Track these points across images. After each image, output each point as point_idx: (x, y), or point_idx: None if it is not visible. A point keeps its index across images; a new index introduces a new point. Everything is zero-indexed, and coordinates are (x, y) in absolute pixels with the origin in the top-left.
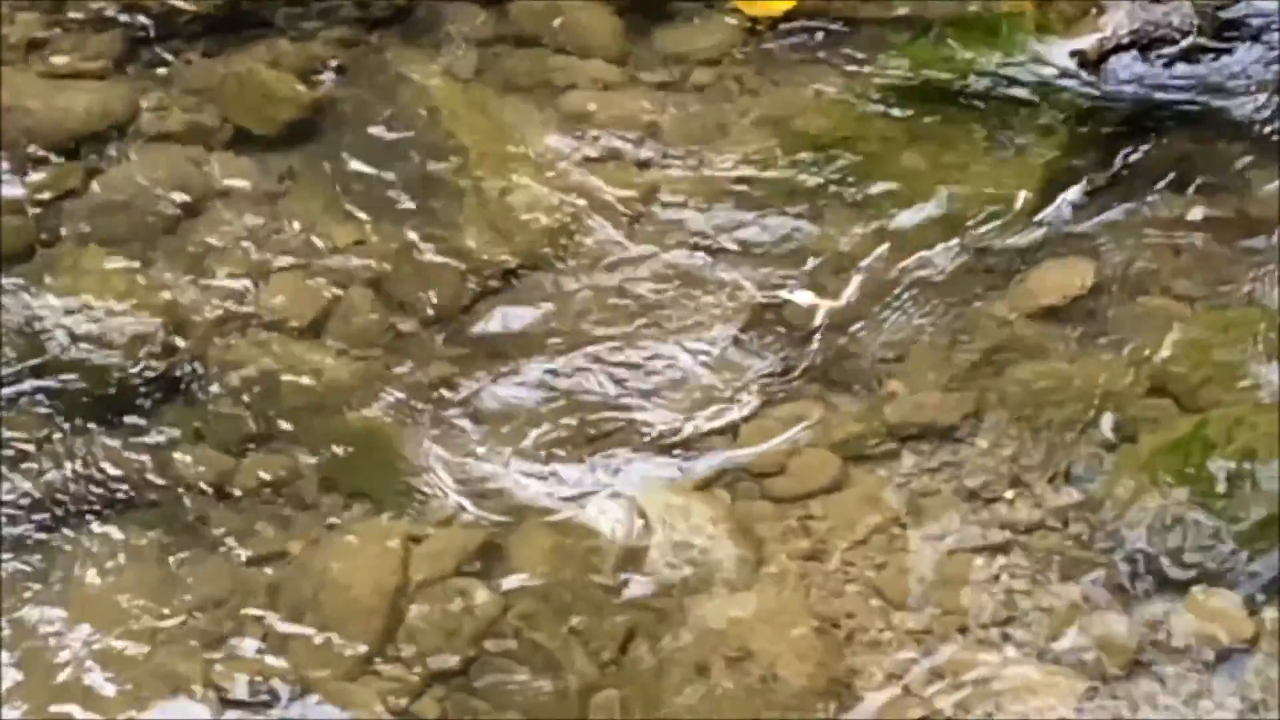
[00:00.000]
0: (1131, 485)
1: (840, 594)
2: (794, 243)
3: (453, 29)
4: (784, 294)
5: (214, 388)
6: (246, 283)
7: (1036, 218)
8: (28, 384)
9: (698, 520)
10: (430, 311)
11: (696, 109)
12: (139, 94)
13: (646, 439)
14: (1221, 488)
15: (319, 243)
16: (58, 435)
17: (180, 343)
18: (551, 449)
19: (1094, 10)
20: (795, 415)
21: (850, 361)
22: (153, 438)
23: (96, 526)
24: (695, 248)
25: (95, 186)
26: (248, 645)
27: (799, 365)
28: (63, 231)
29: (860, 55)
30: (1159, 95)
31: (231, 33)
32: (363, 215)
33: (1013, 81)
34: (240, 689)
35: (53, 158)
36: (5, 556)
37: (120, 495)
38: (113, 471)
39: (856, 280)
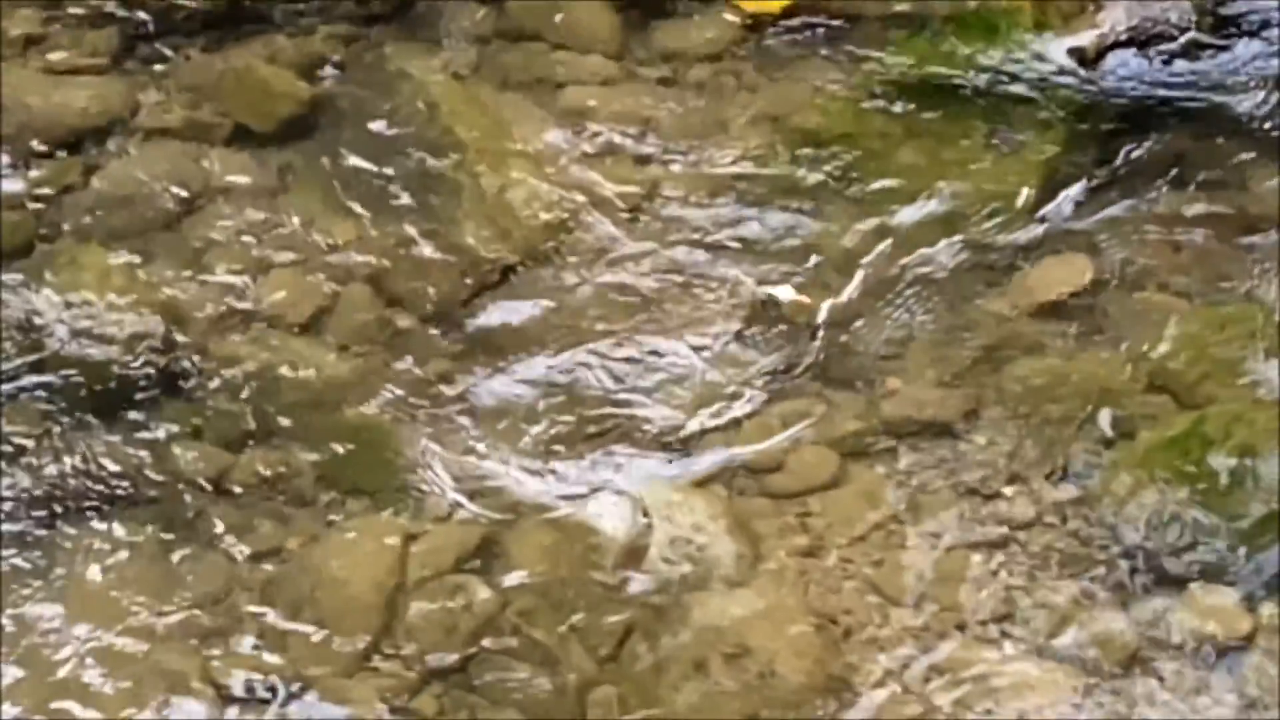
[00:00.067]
0: (1130, 482)
1: (838, 591)
2: (793, 239)
3: (452, 25)
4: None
5: (213, 384)
6: (245, 279)
7: (1036, 215)
8: (27, 380)
9: (696, 517)
10: (429, 308)
11: (695, 105)
12: (137, 90)
13: (646, 436)
14: (1220, 484)
15: (318, 239)
16: (57, 431)
17: (179, 339)
18: (550, 446)
19: (1092, 7)
20: (796, 412)
21: (849, 358)
22: (152, 434)
23: (95, 522)
24: (694, 244)
25: (94, 182)
26: (246, 642)
27: (799, 362)
28: (63, 227)
29: (859, 52)
30: (1157, 92)
31: (230, 28)
32: (361, 211)
33: (1011, 78)
34: (238, 686)
35: (52, 154)
36: (5, 553)
37: (119, 491)
38: (112, 467)
39: (858, 276)
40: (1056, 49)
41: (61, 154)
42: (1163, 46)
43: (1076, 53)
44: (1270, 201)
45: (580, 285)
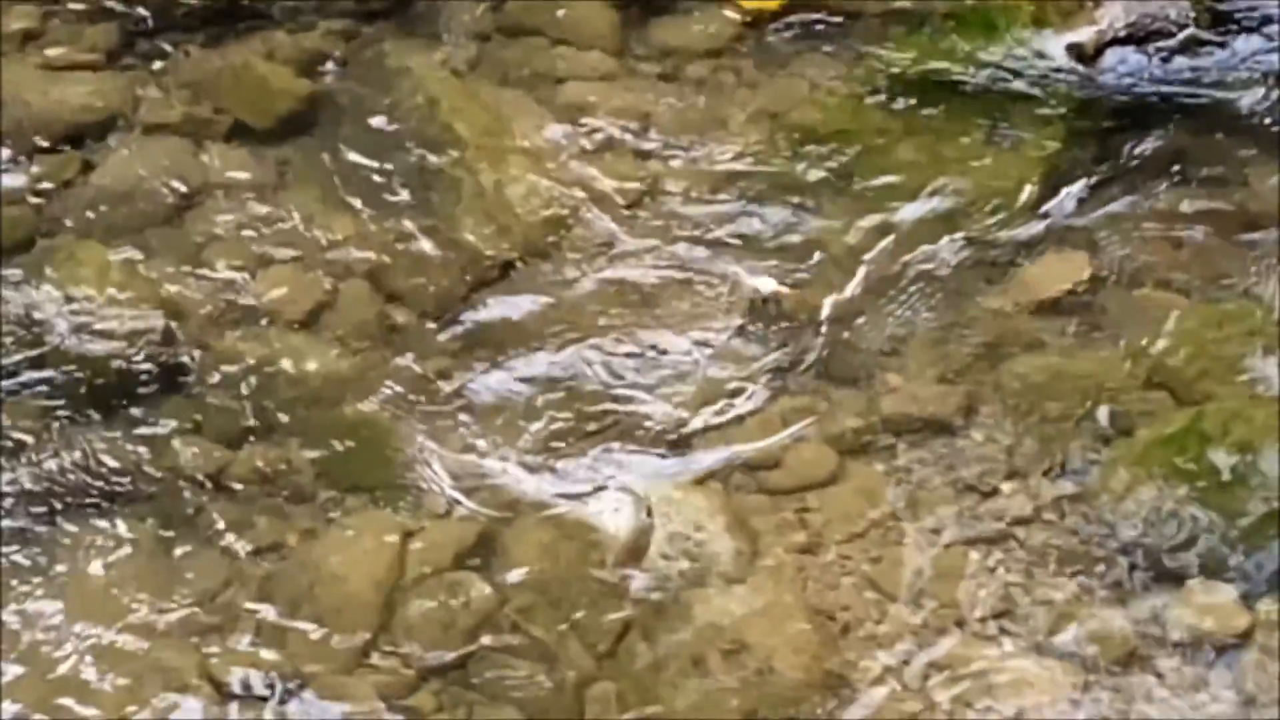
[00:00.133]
0: (1128, 478)
1: (837, 587)
2: (794, 235)
3: (451, 21)
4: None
5: (212, 380)
6: (244, 275)
7: (1036, 211)
8: (27, 375)
9: (694, 514)
10: (428, 304)
11: (695, 101)
12: (137, 86)
13: (645, 432)
14: (1218, 481)
15: (317, 235)
16: (56, 426)
17: (179, 334)
18: (550, 442)
19: (1091, 3)
20: (796, 410)
21: (851, 355)
22: (151, 429)
23: (95, 519)
24: (695, 240)
25: (93, 178)
26: (244, 638)
27: (801, 358)
28: (63, 223)
29: (859, 48)
30: (1157, 88)
31: (229, 25)
32: (361, 207)
33: (1011, 75)
34: (237, 682)
35: (50, 149)
36: (5, 550)
37: (118, 487)
38: (111, 463)
39: (860, 273)
40: (1055, 46)
41: (59, 150)
42: (1161, 43)
43: (1075, 49)
44: (1270, 198)
45: (580, 281)
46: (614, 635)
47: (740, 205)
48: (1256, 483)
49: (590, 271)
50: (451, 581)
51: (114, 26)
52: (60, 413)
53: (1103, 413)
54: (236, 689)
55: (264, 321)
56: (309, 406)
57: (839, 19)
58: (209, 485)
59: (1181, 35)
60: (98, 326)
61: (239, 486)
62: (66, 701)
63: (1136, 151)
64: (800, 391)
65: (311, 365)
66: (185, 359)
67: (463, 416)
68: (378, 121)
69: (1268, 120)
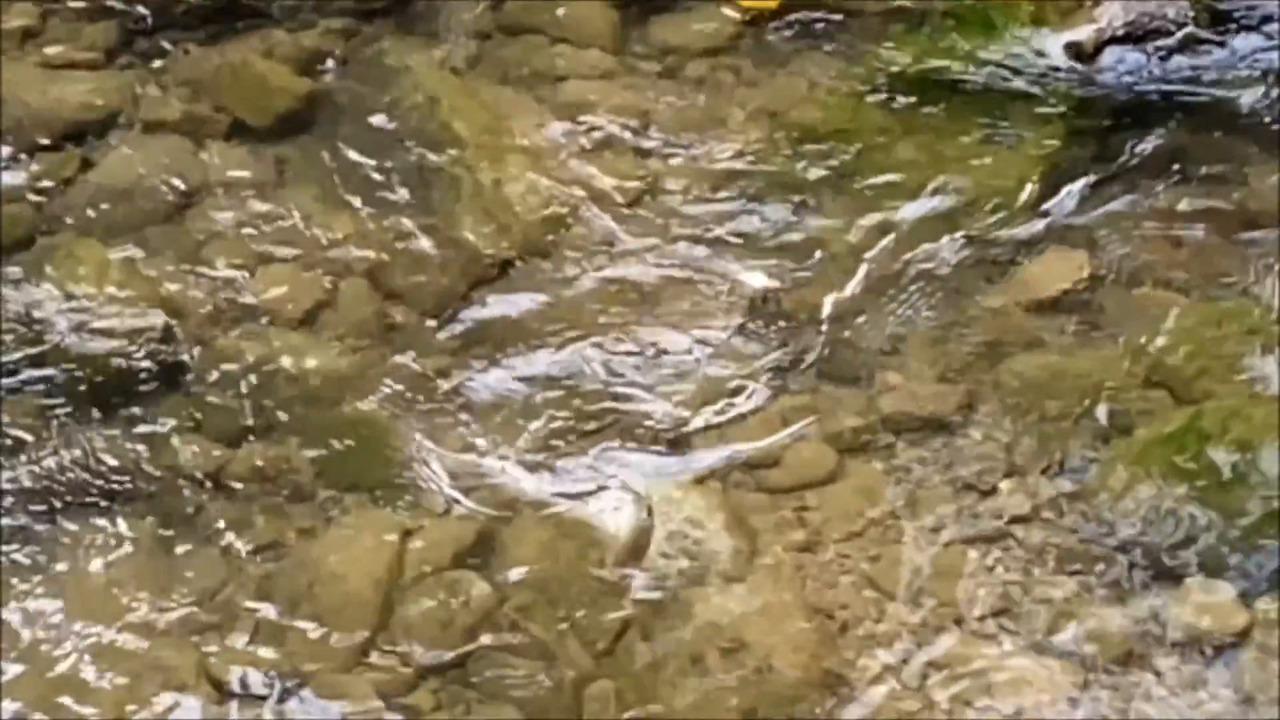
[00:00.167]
0: (1126, 477)
1: (835, 586)
2: (794, 234)
3: (450, 19)
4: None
5: (211, 378)
6: (244, 273)
7: (1036, 210)
8: (26, 373)
9: (693, 512)
10: (427, 302)
11: (694, 100)
12: (135, 84)
13: (645, 431)
14: (1217, 480)
15: (316, 233)
16: (56, 425)
17: (178, 332)
18: (549, 441)
19: (1089, 2)
20: (796, 409)
21: (851, 353)
22: (150, 428)
23: (94, 517)
24: (694, 239)
25: (92, 176)
26: (243, 637)
27: (802, 357)
28: (66, 220)
29: (858, 47)
30: (1156, 87)
31: (228, 23)
32: (360, 206)
33: (1010, 73)
34: (235, 681)
35: (49, 147)
36: (4, 548)
37: (118, 485)
38: (110, 462)
39: (861, 272)
40: (1054, 44)
41: (58, 148)
42: (1160, 41)
43: (1074, 48)
44: (1269, 197)
45: (579, 280)
46: (613, 634)
47: (740, 204)
48: (1255, 481)
49: (590, 270)
50: (450, 580)
51: (113, 25)
52: (60, 411)
53: (1102, 411)
54: (235, 687)
55: (263, 320)
56: (308, 405)
57: (838, 17)
58: (208, 484)
59: (1180, 34)
60: (97, 324)
61: (238, 485)
62: (66, 700)
63: (1136, 150)
64: (800, 390)
65: (311, 363)
66: (185, 357)
67: (462, 415)
68: (377, 120)
69: (1267, 119)
